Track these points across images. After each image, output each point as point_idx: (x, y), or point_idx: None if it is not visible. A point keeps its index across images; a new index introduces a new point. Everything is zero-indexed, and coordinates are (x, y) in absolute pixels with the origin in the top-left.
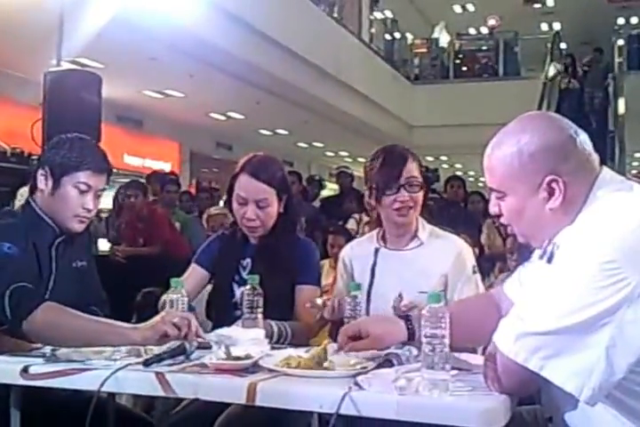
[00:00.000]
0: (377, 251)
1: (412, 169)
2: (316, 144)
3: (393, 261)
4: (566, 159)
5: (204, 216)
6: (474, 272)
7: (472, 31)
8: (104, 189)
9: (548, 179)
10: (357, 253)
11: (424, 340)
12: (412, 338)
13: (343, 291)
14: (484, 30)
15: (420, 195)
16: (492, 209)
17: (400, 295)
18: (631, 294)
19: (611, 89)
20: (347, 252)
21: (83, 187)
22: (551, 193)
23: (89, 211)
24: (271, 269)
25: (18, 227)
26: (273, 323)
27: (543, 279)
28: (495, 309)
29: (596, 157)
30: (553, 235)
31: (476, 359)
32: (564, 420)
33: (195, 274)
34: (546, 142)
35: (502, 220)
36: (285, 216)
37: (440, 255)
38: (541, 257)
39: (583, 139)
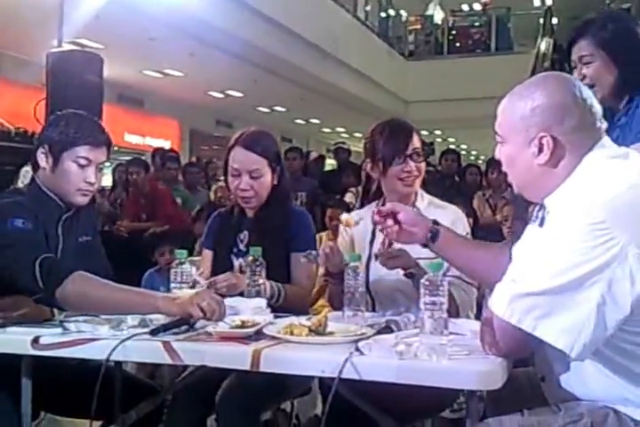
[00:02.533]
0: None
1: (416, 141)
2: (313, 121)
3: None
4: (563, 120)
5: (213, 188)
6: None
7: (465, 8)
8: (105, 162)
9: (540, 135)
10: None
11: (423, 307)
12: (434, 240)
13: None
14: (477, 7)
15: (424, 165)
16: (496, 154)
17: (384, 242)
18: (620, 252)
19: None
20: None
21: (82, 161)
22: (541, 149)
23: (91, 184)
24: (267, 240)
25: (25, 204)
26: (267, 282)
27: (535, 242)
28: (502, 255)
29: (602, 126)
30: (544, 192)
31: (473, 325)
32: (556, 379)
33: (206, 258)
34: (549, 101)
35: (503, 168)
36: (279, 188)
37: None
38: (533, 221)
39: (591, 105)
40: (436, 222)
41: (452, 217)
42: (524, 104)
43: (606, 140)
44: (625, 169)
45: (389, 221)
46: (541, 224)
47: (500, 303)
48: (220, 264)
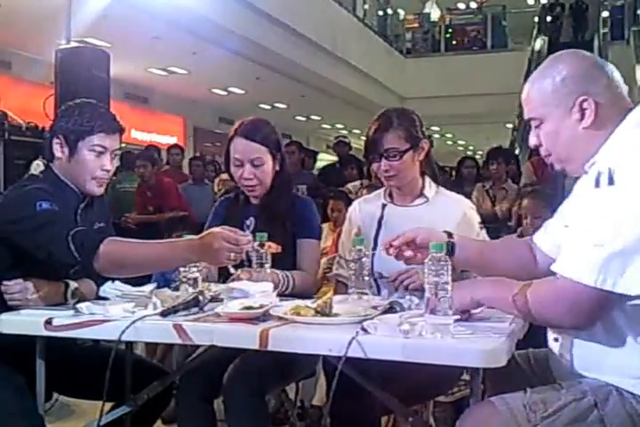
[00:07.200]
0: (384, 207)
1: (392, 139)
2: (313, 117)
3: (399, 217)
4: (595, 81)
5: (216, 180)
6: (480, 228)
7: (461, 6)
8: (119, 149)
9: (579, 100)
10: (365, 208)
11: (427, 287)
12: (451, 254)
13: (347, 246)
14: (473, 5)
15: (403, 162)
16: (532, 140)
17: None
18: None
19: None
20: (354, 207)
21: (98, 149)
22: (583, 113)
23: (107, 171)
24: (273, 227)
25: (47, 189)
26: (278, 271)
27: (598, 204)
28: (528, 249)
29: (625, 88)
30: (589, 155)
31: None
32: (570, 343)
33: None
34: (575, 69)
35: (542, 151)
36: (281, 174)
37: (445, 213)
38: (596, 184)
39: (611, 71)
40: (449, 235)
41: (461, 210)
42: (551, 80)
43: None
44: None
45: (408, 252)
46: (597, 185)
47: (590, 272)
48: None
